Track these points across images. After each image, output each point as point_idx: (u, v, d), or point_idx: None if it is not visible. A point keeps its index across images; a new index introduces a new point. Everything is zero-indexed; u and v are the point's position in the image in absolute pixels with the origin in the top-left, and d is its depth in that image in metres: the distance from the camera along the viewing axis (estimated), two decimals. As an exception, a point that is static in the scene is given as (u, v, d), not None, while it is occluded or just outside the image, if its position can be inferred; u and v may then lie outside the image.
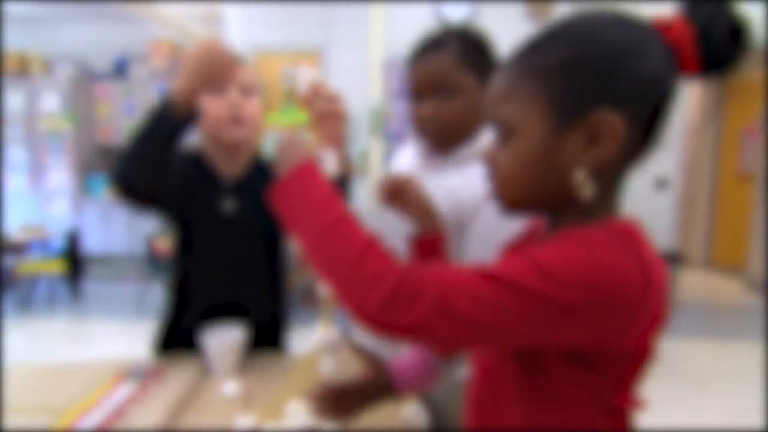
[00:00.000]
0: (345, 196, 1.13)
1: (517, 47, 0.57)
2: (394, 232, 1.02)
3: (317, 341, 0.85)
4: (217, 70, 0.96)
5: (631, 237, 0.52)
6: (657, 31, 0.54)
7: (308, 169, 0.61)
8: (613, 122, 0.51)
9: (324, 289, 0.90)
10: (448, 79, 0.95)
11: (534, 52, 0.55)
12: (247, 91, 1.13)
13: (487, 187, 0.60)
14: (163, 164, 0.98)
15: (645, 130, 0.54)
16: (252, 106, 1.15)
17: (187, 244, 1.18)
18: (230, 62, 0.97)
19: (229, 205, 1.17)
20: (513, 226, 0.88)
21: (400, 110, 4.61)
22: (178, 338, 1.20)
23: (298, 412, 0.93)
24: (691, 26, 0.53)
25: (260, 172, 1.22)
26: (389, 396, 0.83)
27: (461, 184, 0.97)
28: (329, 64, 4.59)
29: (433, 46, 0.97)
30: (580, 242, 0.50)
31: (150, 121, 0.97)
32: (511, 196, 0.58)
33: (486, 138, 1.01)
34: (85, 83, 5.25)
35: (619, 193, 0.58)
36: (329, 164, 0.87)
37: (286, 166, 0.62)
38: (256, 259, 1.21)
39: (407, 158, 1.12)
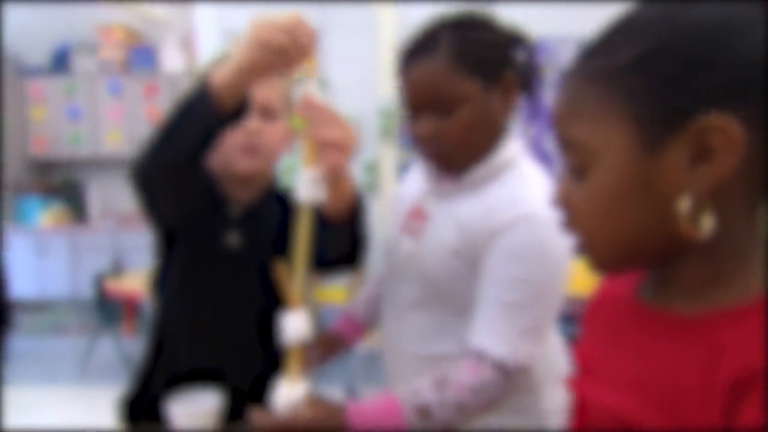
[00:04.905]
0: (361, 226, 1.06)
1: (580, 48, 0.49)
2: (407, 267, 0.98)
3: (282, 402, 0.76)
4: (291, 55, 0.82)
5: None
6: None
7: None
8: (726, 128, 0.41)
9: (290, 330, 0.82)
10: (442, 89, 0.86)
11: (601, 50, 0.46)
12: (268, 114, 1.05)
13: (570, 241, 0.53)
14: (189, 165, 0.87)
15: None
16: (272, 134, 1.07)
17: (172, 279, 1.10)
18: (310, 47, 0.84)
19: (233, 239, 1.11)
20: (535, 263, 0.87)
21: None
22: (149, 405, 1.10)
23: None
24: None
25: (271, 202, 1.16)
26: None
27: (473, 212, 0.91)
28: (326, 52, 3.99)
29: (420, 48, 0.88)
30: None
31: (181, 111, 0.85)
32: (604, 250, 0.49)
33: (507, 150, 0.92)
34: (15, 80, 4.68)
35: (757, 226, 0.47)
36: (306, 189, 0.83)
37: None
38: (250, 305, 1.13)
39: (415, 183, 1.04)
